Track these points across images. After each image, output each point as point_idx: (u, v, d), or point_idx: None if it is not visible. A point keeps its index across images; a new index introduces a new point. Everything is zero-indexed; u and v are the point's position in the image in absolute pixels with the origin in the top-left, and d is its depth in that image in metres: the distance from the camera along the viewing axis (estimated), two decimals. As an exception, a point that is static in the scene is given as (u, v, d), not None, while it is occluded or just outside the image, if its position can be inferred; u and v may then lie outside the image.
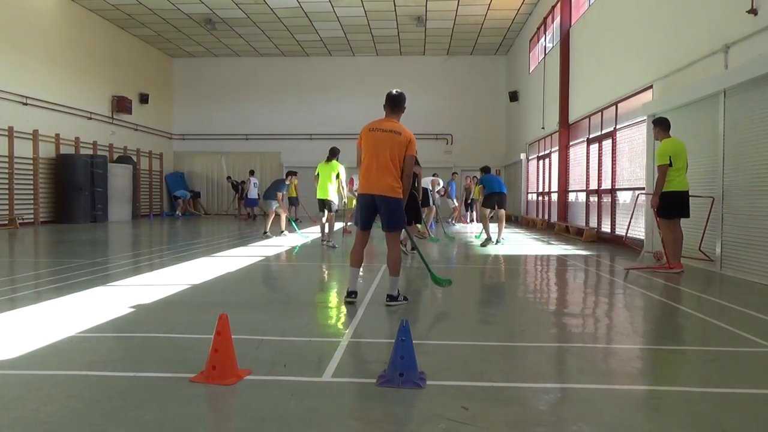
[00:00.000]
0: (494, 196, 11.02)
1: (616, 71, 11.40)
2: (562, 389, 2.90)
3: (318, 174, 10.19)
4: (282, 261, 8.50)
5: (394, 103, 4.86)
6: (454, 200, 19.79)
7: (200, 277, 6.50)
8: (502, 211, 11.32)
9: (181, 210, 22.84)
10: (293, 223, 13.54)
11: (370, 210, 4.82)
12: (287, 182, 12.62)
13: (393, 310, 4.75)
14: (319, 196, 10.17)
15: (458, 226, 17.96)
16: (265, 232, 12.44)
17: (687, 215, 7.06)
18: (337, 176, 10.19)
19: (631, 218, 9.51)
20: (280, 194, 12.15)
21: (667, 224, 7.09)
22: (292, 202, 20.76)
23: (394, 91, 4.89)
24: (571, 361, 3.43)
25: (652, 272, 7.15)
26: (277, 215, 12.58)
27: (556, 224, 15.13)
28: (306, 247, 10.42)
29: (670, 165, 6.90)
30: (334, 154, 10.15)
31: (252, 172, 21.40)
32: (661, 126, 7.24)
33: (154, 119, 23.31)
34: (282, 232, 12.52)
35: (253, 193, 19.90)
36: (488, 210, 11.14)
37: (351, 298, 4.90)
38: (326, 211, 10.27)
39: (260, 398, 2.70)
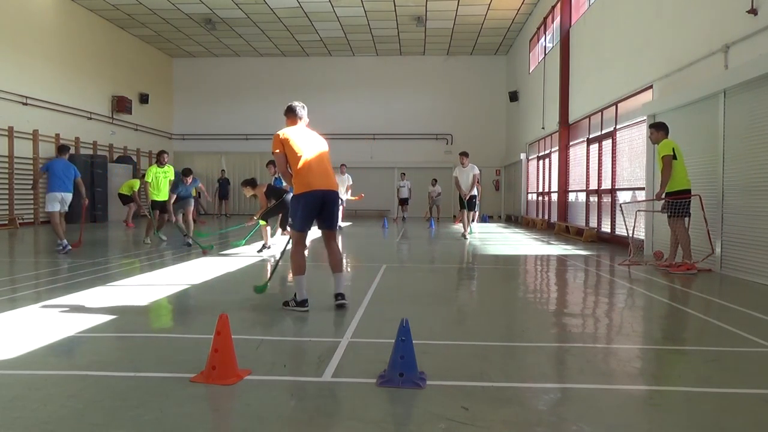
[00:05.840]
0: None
1: (616, 71, 11.39)
2: (562, 389, 2.90)
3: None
4: (282, 261, 8.49)
5: (305, 113, 4.93)
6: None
7: (200, 277, 6.50)
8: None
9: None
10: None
11: (318, 209, 4.67)
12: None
13: (393, 309, 4.74)
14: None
15: (458, 226, 17.93)
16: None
17: (689, 214, 7.13)
18: None
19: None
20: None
21: (681, 223, 7.11)
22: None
23: (299, 103, 4.92)
24: (571, 361, 3.43)
25: (653, 272, 7.16)
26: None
27: (556, 224, 15.12)
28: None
29: (674, 158, 6.96)
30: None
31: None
32: (664, 130, 7.33)
33: (154, 119, 23.31)
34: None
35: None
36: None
37: (305, 307, 4.64)
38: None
39: (260, 398, 2.70)
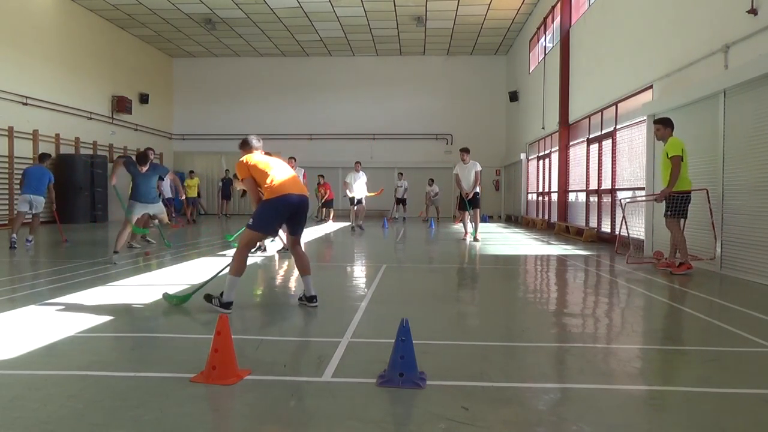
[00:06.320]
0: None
1: (616, 71, 11.39)
2: (562, 389, 2.90)
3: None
4: (281, 261, 8.50)
5: (261, 144, 5.05)
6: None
7: (200, 278, 6.49)
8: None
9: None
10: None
11: (289, 213, 4.71)
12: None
13: (393, 309, 4.75)
14: None
15: (458, 226, 17.94)
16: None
17: (686, 216, 7.11)
18: None
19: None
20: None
21: (676, 223, 7.10)
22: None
23: (255, 136, 5.08)
24: (571, 361, 3.43)
25: (653, 272, 7.16)
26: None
27: (556, 224, 15.13)
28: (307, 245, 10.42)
29: (682, 159, 6.95)
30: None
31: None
32: (671, 126, 7.25)
33: (154, 119, 23.30)
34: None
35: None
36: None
37: (229, 309, 4.48)
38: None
39: (260, 398, 2.70)
